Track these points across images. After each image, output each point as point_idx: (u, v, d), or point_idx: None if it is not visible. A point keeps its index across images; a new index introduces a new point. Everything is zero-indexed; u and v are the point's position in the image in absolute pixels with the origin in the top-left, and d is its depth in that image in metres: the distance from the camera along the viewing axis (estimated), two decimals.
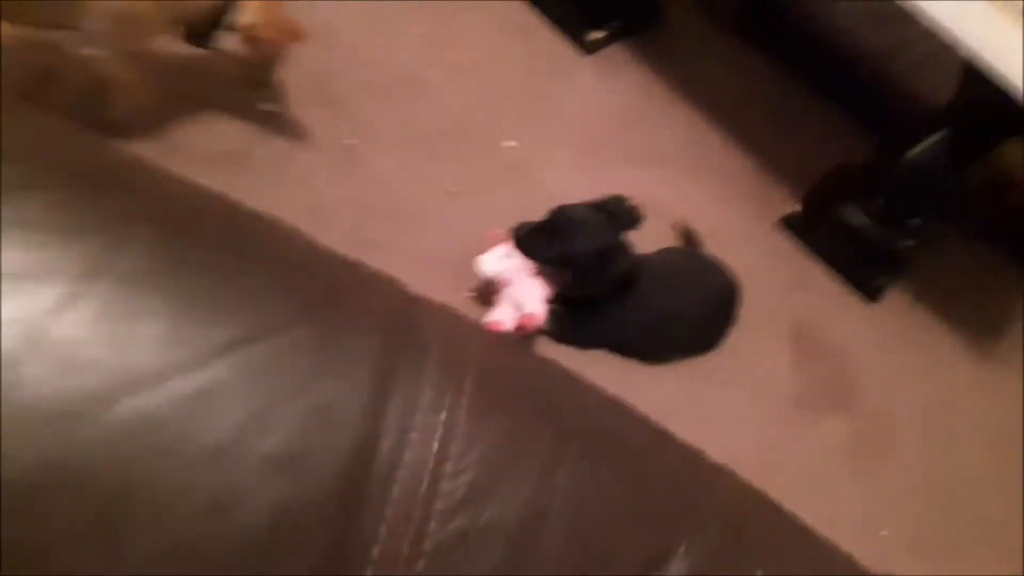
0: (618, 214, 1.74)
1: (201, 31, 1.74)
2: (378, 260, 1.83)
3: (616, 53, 2.52)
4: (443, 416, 0.57)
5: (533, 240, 1.73)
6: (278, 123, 1.97)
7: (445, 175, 2.05)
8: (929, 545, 1.85)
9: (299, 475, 0.50)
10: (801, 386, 2.01)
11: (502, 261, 1.74)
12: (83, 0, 1.53)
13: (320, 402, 0.53)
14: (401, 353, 0.59)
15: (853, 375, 2.08)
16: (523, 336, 1.76)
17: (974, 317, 2.31)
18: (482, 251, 1.77)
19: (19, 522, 0.45)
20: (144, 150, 1.71)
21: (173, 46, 1.81)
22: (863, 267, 2.26)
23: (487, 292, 1.81)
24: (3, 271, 0.47)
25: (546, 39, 2.46)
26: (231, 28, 1.74)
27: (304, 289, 0.61)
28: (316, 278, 0.64)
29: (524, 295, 1.74)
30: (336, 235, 1.85)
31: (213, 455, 0.48)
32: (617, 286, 1.77)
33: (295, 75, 2.06)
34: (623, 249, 1.75)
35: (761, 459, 1.83)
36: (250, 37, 1.75)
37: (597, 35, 2.48)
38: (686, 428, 1.82)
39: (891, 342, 2.18)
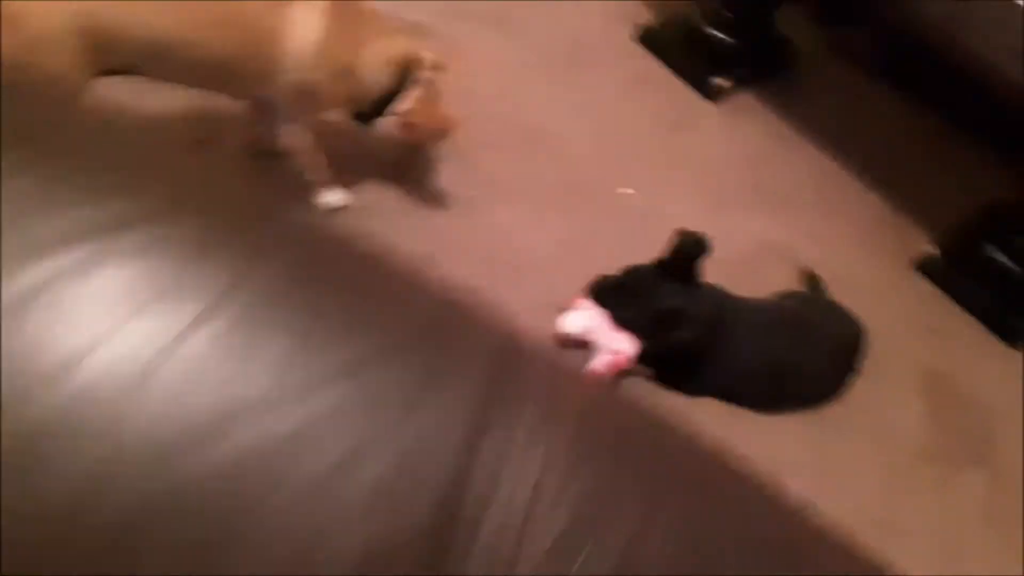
0: (684, 251, 1.73)
1: (368, 112, 1.89)
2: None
3: (744, 100, 2.51)
4: (538, 458, 0.56)
5: (610, 296, 1.77)
6: (413, 176, 2.10)
7: (559, 224, 2.11)
8: None
9: (393, 510, 0.50)
10: (934, 438, 1.91)
11: (584, 316, 1.78)
12: (272, 72, 1.69)
13: (418, 434, 0.53)
14: (501, 390, 0.59)
15: (992, 427, 1.95)
16: (622, 375, 1.78)
17: None
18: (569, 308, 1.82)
19: (124, 555, 0.46)
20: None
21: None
22: (1006, 311, 2.13)
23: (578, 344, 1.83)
24: (151, 287, 0.51)
25: (670, 89, 2.50)
26: (393, 113, 1.89)
27: (415, 319, 0.62)
28: (427, 310, 0.66)
29: (612, 341, 1.76)
30: (451, 280, 1.92)
31: (315, 487, 0.48)
32: (686, 346, 1.74)
33: None
34: (686, 313, 1.72)
35: (886, 517, 1.77)
36: (406, 123, 1.89)
37: (723, 83, 2.48)
38: (805, 482, 1.78)
39: None
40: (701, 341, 1.73)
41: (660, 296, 1.72)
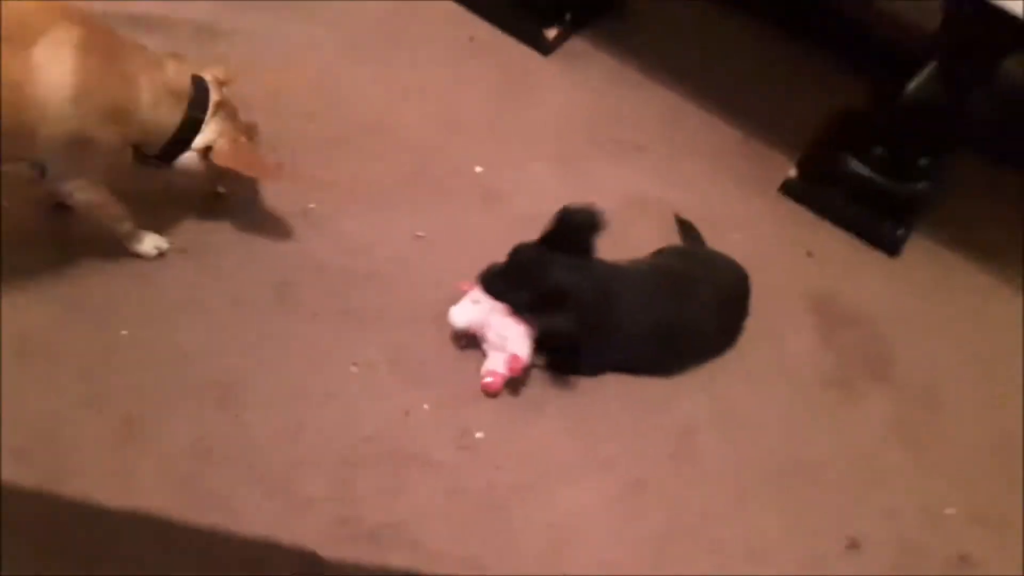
0: (576, 227, 1.63)
1: (168, 150, 1.65)
2: (359, 329, 1.73)
3: (577, 46, 2.38)
4: None
5: (499, 283, 1.67)
6: (235, 204, 1.87)
7: (413, 220, 1.94)
8: (999, 515, 1.70)
9: None
10: (832, 364, 1.87)
11: (473, 309, 1.68)
12: (30, 130, 1.42)
13: None
14: None
15: (885, 340, 1.94)
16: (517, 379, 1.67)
17: (1005, 248, 2.16)
18: (452, 302, 1.70)
19: None
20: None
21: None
22: (877, 221, 2.11)
23: (470, 338, 1.72)
24: None
25: (501, 49, 2.34)
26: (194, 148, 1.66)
27: None
28: None
29: (505, 335, 1.66)
30: (309, 309, 1.76)
31: None
32: (593, 314, 1.64)
33: None
34: (572, 292, 1.62)
35: (806, 454, 1.72)
36: (210, 160, 1.66)
37: (552, 32, 2.33)
38: (718, 435, 1.73)
39: (920, 295, 2.04)
40: (590, 319, 1.62)
41: (549, 274, 1.61)
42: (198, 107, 1.63)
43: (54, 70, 1.38)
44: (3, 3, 1.38)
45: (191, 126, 1.63)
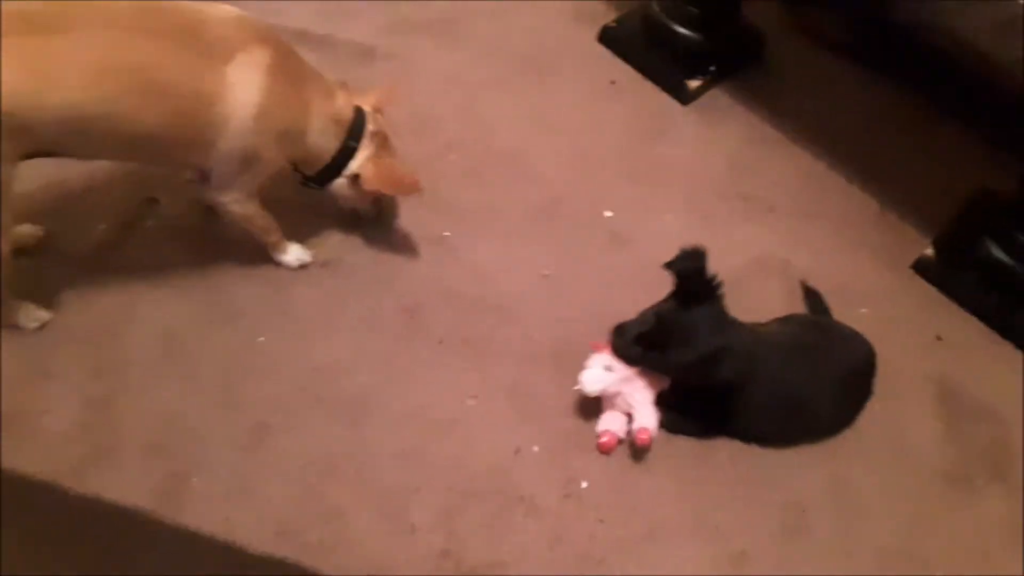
0: (687, 271, 1.58)
1: (322, 175, 1.73)
2: (481, 360, 1.77)
3: (717, 98, 2.37)
4: None
5: (634, 348, 1.63)
6: (376, 225, 1.95)
7: (541, 256, 1.96)
8: None
9: None
10: (952, 457, 1.81)
11: (606, 377, 1.65)
12: (211, 141, 1.51)
13: None
14: None
15: (1009, 439, 1.86)
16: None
17: None
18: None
19: None
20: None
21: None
22: (1010, 312, 2.02)
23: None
24: None
25: (641, 93, 2.35)
26: (346, 175, 1.74)
27: None
28: None
29: (632, 404, 1.66)
30: (435, 335, 1.80)
31: None
32: (730, 383, 1.62)
33: None
34: (730, 349, 1.58)
35: (918, 548, 1.67)
36: (361, 184, 1.74)
37: (695, 83, 2.33)
38: (830, 517, 1.69)
39: None
40: (743, 376, 1.61)
41: (699, 334, 1.57)
42: (355, 136, 1.70)
43: (244, 89, 1.46)
44: (208, 20, 1.46)
45: (346, 154, 1.70)
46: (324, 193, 1.77)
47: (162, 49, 1.40)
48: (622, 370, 1.65)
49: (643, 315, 1.64)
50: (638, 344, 1.62)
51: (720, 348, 1.56)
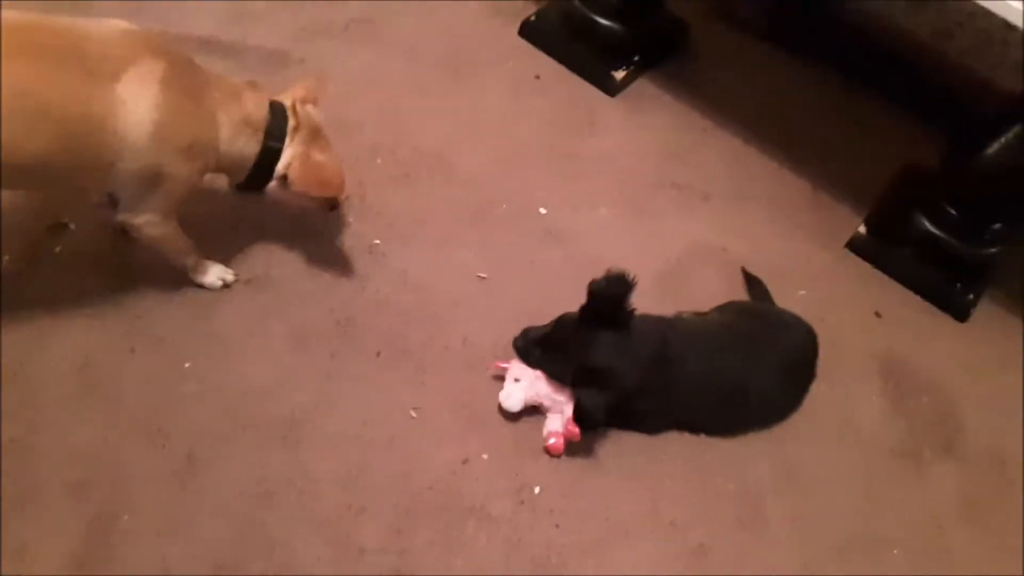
0: (605, 296, 1.54)
1: (253, 179, 1.64)
2: (420, 371, 1.71)
3: (643, 88, 2.35)
4: None
5: (537, 353, 1.64)
6: (301, 236, 1.86)
7: (477, 259, 1.91)
8: None
9: None
10: (900, 432, 1.82)
11: (519, 389, 1.64)
12: (107, 164, 1.41)
13: None
14: None
15: (954, 410, 1.88)
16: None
17: None
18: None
19: None
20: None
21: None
22: (946, 283, 2.05)
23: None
24: None
25: (565, 87, 2.31)
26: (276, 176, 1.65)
27: None
28: None
29: (558, 399, 1.63)
30: (371, 348, 1.73)
31: None
32: (641, 381, 1.58)
33: None
34: (615, 372, 1.55)
35: (873, 528, 1.67)
36: (294, 181, 1.64)
37: (620, 73, 2.30)
38: (785, 502, 1.68)
39: (989, 363, 1.98)
40: (643, 386, 1.57)
41: (589, 349, 1.55)
42: (275, 136, 1.61)
43: (137, 106, 1.37)
44: (91, 37, 1.36)
45: (269, 156, 1.61)
46: (265, 199, 1.69)
47: (42, 72, 1.30)
48: (529, 375, 1.64)
49: (552, 321, 1.64)
50: (539, 346, 1.63)
51: (602, 368, 1.54)
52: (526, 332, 1.66)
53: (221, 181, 1.86)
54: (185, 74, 1.47)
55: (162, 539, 1.44)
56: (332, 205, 1.80)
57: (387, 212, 1.93)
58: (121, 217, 1.54)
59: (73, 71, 1.32)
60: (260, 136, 1.59)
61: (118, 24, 1.42)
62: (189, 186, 1.53)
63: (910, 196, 2.12)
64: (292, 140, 1.62)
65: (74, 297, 1.68)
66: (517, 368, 1.65)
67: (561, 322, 1.62)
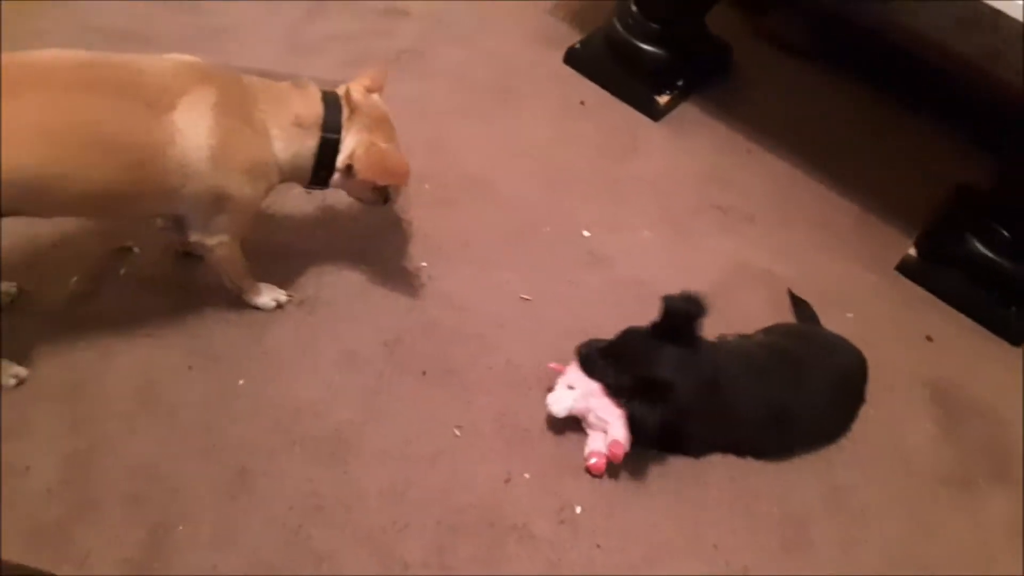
0: (682, 316, 1.57)
1: (318, 176, 1.66)
2: (464, 390, 1.73)
3: (687, 112, 2.37)
4: None
5: (599, 364, 1.64)
6: (352, 261, 1.92)
7: (520, 281, 1.95)
8: None
9: None
10: (950, 458, 1.79)
11: (569, 396, 1.64)
12: (172, 189, 1.48)
13: None
14: None
15: (1006, 436, 1.84)
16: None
17: None
18: (548, 381, 1.70)
19: None
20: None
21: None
22: (999, 307, 2.01)
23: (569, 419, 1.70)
24: None
25: (610, 112, 2.35)
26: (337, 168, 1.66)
27: None
28: None
29: (605, 418, 1.63)
30: (416, 367, 1.77)
31: None
32: (695, 402, 1.59)
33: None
34: (685, 378, 1.56)
35: (922, 555, 1.64)
36: (353, 176, 1.65)
37: (664, 98, 2.33)
38: (830, 528, 1.66)
39: None
40: (696, 405, 1.59)
41: (654, 362, 1.57)
42: (330, 128, 1.61)
43: (193, 133, 1.43)
44: (148, 71, 1.43)
45: (327, 149, 1.62)
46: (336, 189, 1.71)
47: (104, 105, 1.38)
48: (584, 385, 1.64)
49: (619, 333, 1.65)
50: (602, 356, 1.63)
51: (664, 383, 1.54)
52: (591, 341, 1.67)
53: (278, 206, 1.96)
54: (234, 95, 1.52)
55: (214, 549, 1.49)
56: (386, 198, 1.80)
57: (434, 235, 1.99)
58: (194, 239, 1.61)
59: (134, 103, 1.39)
60: (316, 132, 1.60)
61: (173, 58, 1.49)
62: (255, 206, 1.59)
63: (962, 217, 2.09)
64: (349, 129, 1.63)
65: (136, 317, 1.76)
66: (573, 375, 1.66)
67: (628, 334, 1.63)
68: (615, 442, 1.59)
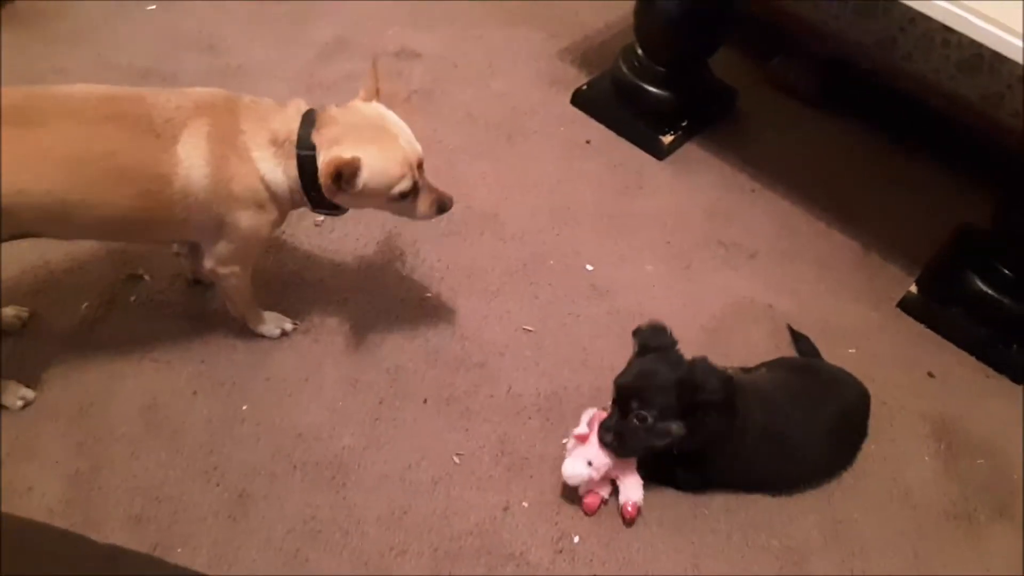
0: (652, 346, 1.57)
1: (313, 204, 1.60)
2: (465, 418, 1.74)
3: (691, 152, 2.41)
4: None
5: (617, 445, 1.58)
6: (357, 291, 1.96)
7: (523, 312, 1.97)
8: None
9: None
10: (954, 495, 1.77)
11: (585, 471, 1.60)
12: (185, 221, 1.52)
13: None
14: None
15: (1009, 473, 1.82)
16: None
17: None
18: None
19: None
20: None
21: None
22: (1000, 345, 2.01)
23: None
24: None
25: (615, 151, 2.39)
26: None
27: None
28: None
29: (617, 474, 1.64)
30: (418, 395, 1.78)
31: None
32: (715, 438, 1.59)
33: (370, 233, 2.07)
34: (706, 409, 1.53)
35: None
36: (335, 171, 1.49)
37: (668, 138, 2.37)
38: (829, 563, 1.64)
39: None
40: (723, 431, 1.57)
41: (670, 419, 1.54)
42: (304, 145, 1.52)
43: (192, 164, 1.46)
44: (156, 104, 1.47)
45: (308, 167, 1.52)
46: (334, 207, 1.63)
47: (124, 137, 1.43)
48: (600, 458, 1.58)
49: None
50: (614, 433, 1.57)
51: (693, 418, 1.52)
52: (606, 422, 1.59)
53: (287, 236, 2.00)
54: (225, 122, 1.51)
55: (212, 571, 1.50)
56: (440, 207, 1.69)
57: (439, 266, 2.02)
58: (208, 266, 1.65)
59: (146, 136, 1.44)
60: (292, 150, 1.53)
61: (188, 90, 1.54)
62: (259, 235, 1.61)
63: (963, 256, 2.11)
64: (321, 144, 1.52)
65: (144, 342, 1.80)
66: (593, 451, 1.60)
67: (628, 384, 1.57)
68: (631, 503, 1.62)
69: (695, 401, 1.50)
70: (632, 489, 1.63)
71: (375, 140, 1.55)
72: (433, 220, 2.09)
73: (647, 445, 1.55)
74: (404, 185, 1.58)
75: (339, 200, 1.57)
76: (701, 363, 1.55)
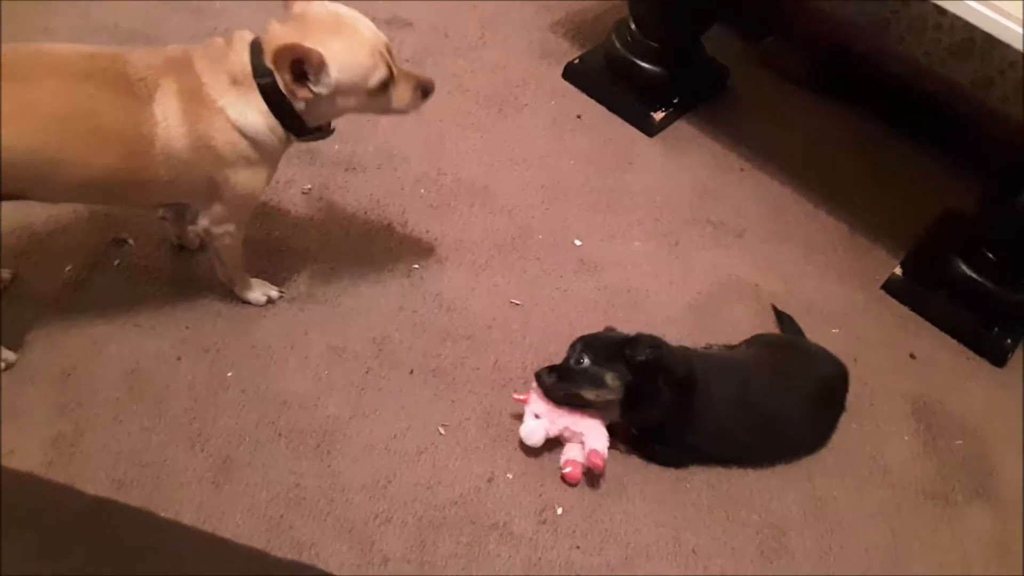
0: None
1: (294, 132, 1.54)
2: (451, 389, 1.75)
3: (682, 129, 2.41)
4: None
5: (552, 383, 1.63)
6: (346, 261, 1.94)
7: (511, 286, 1.97)
8: None
9: None
10: (932, 473, 1.80)
11: (539, 425, 1.64)
12: (169, 182, 1.49)
13: None
14: None
15: (988, 454, 1.85)
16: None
17: None
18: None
19: None
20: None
21: None
22: (982, 328, 2.04)
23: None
24: None
25: (606, 127, 2.38)
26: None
27: None
28: None
29: (579, 431, 1.65)
30: (405, 366, 1.78)
31: None
32: (677, 408, 1.63)
33: (359, 202, 2.05)
34: (659, 375, 1.59)
35: (897, 566, 1.66)
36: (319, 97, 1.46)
37: (659, 114, 2.37)
38: (810, 538, 1.67)
39: None
40: (680, 404, 1.61)
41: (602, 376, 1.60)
42: (260, 73, 1.45)
43: (169, 123, 1.43)
44: (130, 62, 1.44)
45: (272, 94, 1.46)
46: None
47: (106, 96, 1.40)
48: (549, 411, 1.64)
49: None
50: (560, 378, 1.62)
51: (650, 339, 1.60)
52: (544, 371, 1.64)
53: (274, 204, 1.98)
54: (187, 78, 1.46)
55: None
56: (424, 92, 1.61)
57: (427, 238, 2.01)
58: (202, 226, 1.63)
59: (125, 96, 1.41)
60: (252, 82, 1.45)
61: (157, 49, 1.50)
62: (253, 189, 1.58)
63: (948, 240, 2.13)
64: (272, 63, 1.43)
65: (128, 307, 1.78)
66: (536, 403, 1.66)
67: (582, 339, 1.65)
68: (594, 452, 1.61)
69: (643, 363, 1.56)
70: (596, 440, 1.63)
71: (334, 32, 1.45)
72: (422, 191, 2.11)
73: (582, 387, 1.61)
74: (380, 74, 1.49)
75: (315, 110, 1.49)
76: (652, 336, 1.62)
